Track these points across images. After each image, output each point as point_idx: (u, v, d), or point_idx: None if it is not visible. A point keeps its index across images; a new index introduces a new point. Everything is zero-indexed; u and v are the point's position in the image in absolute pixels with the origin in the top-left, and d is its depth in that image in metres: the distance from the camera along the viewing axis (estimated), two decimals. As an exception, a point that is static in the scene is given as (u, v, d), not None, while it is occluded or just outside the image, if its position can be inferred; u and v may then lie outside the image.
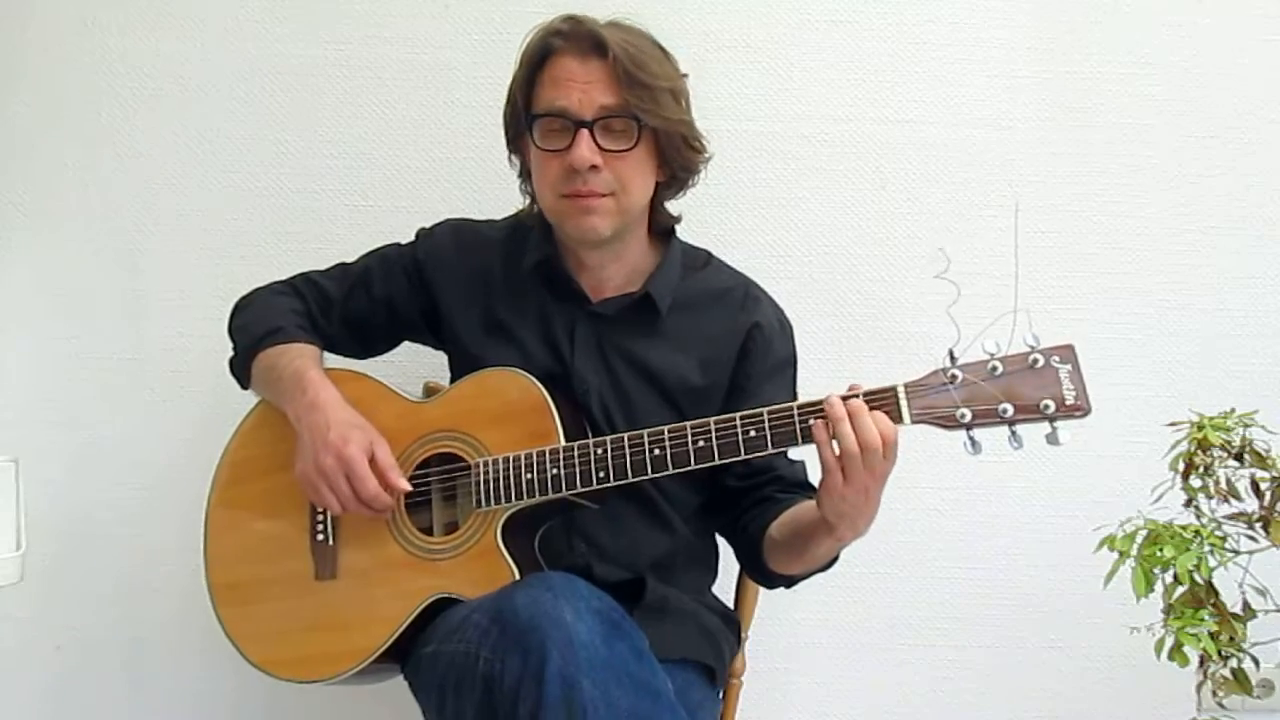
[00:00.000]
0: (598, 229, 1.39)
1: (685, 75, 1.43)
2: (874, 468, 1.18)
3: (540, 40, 1.39)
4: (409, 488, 1.36)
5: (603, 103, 1.35)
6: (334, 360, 1.53)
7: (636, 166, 1.39)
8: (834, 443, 1.19)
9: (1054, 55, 1.87)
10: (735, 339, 1.47)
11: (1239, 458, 1.33)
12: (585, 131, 1.34)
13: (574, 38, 1.37)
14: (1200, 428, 1.33)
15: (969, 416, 1.18)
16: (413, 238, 1.56)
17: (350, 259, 1.59)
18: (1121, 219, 1.87)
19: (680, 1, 1.83)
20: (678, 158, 1.43)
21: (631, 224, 1.44)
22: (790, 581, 1.44)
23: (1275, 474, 1.33)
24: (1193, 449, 1.34)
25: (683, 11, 1.82)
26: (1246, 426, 1.34)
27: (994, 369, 1.18)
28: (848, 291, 1.86)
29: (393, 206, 1.83)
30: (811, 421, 1.21)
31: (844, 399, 1.21)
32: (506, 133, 1.48)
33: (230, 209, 1.85)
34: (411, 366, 1.68)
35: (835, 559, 1.40)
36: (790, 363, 1.52)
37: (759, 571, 1.46)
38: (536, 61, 1.39)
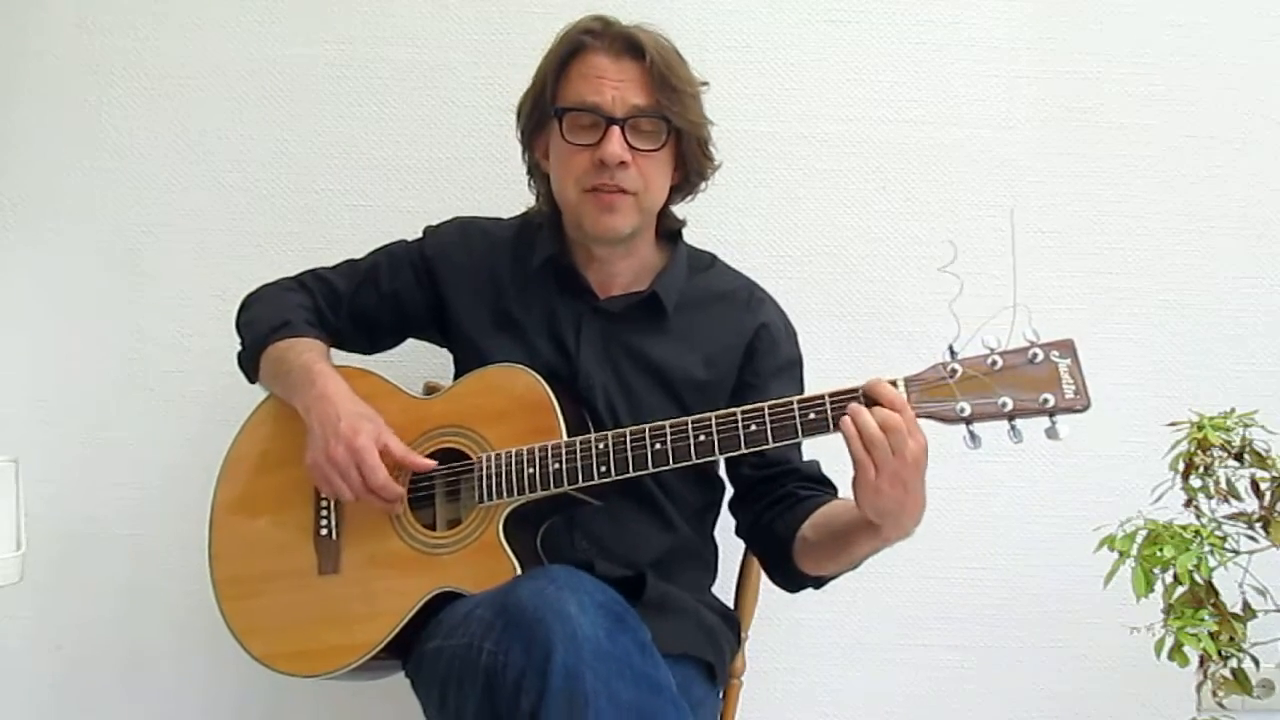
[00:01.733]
0: (618, 227, 1.40)
1: (705, 84, 1.45)
2: (903, 451, 1.17)
3: (571, 37, 1.41)
4: (432, 464, 1.36)
5: (635, 102, 1.37)
6: (340, 357, 1.53)
7: (659, 167, 1.41)
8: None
9: (1054, 55, 1.87)
10: (742, 338, 1.48)
11: (1239, 458, 1.34)
12: (616, 128, 1.36)
13: (607, 37, 1.39)
14: (1200, 428, 1.34)
15: (968, 410, 1.18)
16: (420, 235, 1.57)
17: (354, 257, 1.59)
18: (1121, 219, 1.87)
19: (681, 1, 1.83)
20: (694, 162, 1.45)
21: (645, 224, 1.45)
22: (820, 582, 1.42)
23: (1275, 474, 1.33)
24: (1193, 449, 1.34)
25: (683, 11, 1.82)
26: (1246, 426, 1.34)
27: (993, 363, 1.18)
28: (848, 291, 1.86)
29: (393, 206, 1.83)
30: (832, 413, 1.21)
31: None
32: (523, 128, 1.48)
33: (230, 209, 1.85)
34: (412, 366, 1.68)
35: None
36: (797, 363, 1.52)
37: (786, 574, 1.44)
38: (566, 57, 1.41)
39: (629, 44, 1.38)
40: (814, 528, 1.38)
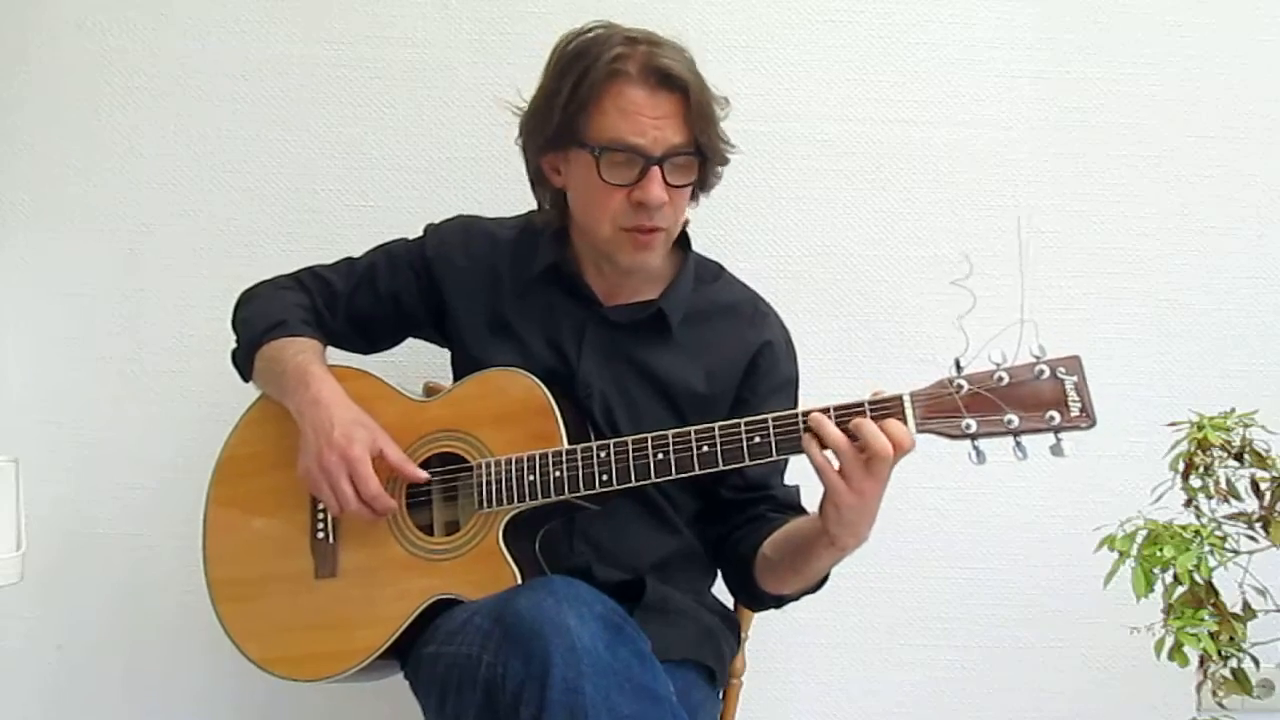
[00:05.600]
0: (650, 262, 1.42)
1: (725, 99, 1.43)
2: (879, 473, 1.18)
3: (603, 64, 1.33)
4: (426, 476, 1.36)
5: (674, 141, 1.34)
6: (337, 357, 1.53)
7: (688, 197, 1.42)
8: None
9: (1054, 55, 1.87)
10: (744, 354, 1.47)
11: (1239, 458, 1.33)
12: (657, 169, 1.34)
13: (636, 62, 1.33)
14: (1200, 428, 1.34)
15: (974, 427, 1.17)
16: (421, 233, 1.56)
17: (352, 255, 1.58)
18: (1121, 219, 1.87)
19: (681, 1, 1.83)
20: (712, 182, 1.45)
21: None
22: (780, 602, 1.43)
23: (1275, 474, 1.33)
24: (1193, 449, 1.34)
25: (683, 11, 1.82)
26: (1246, 426, 1.34)
27: (1000, 379, 1.17)
28: (848, 291, 1.86)
29: (393, 206, 1.83)
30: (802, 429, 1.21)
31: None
32: (535, 137, 1.42)
33: (230, 209, 1.86)
34: (412, 366, 1.68)
35: (825, 579, 1.40)
36: (794, 383, 1.52)
37: (747, 592, 1.45)
38: (597, 85, 1.34)
39: (663, 76, 1.33)
40: (773, 545, 1.38)
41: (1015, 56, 1.87)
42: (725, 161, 1.43)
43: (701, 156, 1.38)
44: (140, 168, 1.85)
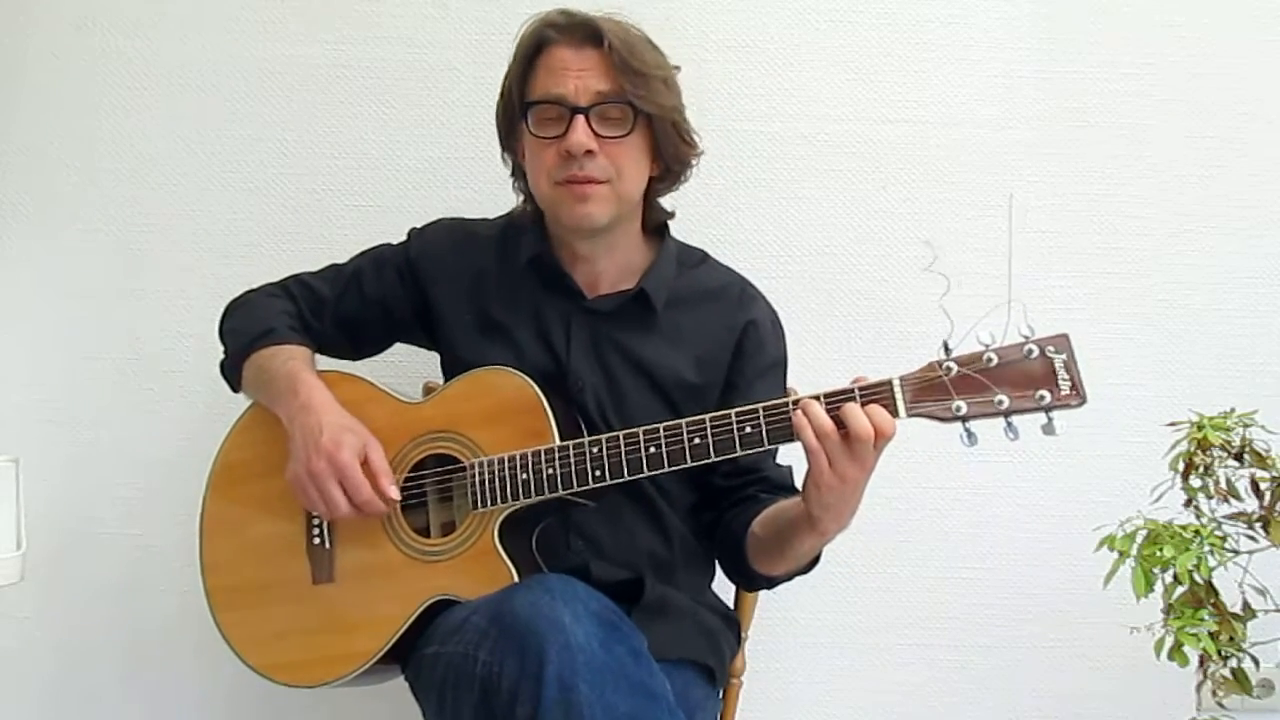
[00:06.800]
0: (593, 216, 1.39)
1: (677, 67, 1.44)
2: (864, 459, 1.18)
3: (533, 32, 1.40)
4: (399, 497, 1.35)
5: (598, 89, 1.36)
6: (326, 362, 1.53)
7: (631, 154, 1.39)
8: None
9: (1054, 55, 1.87)
10: (731, 335, 1.47)
11: (1239, 458, 1.34)
12: (581, 117, 1.35)
13: (568, 29, 1.39)
14: (1200, 428, 1.34)
15: (964, 409, 1.17)
16: (405, 237, 1.56)
17: (338, 262, 1.58)
18: (1121, 219, 1.87)
19: (680, 1, 1.83)
20: (670, 149, 1.43)
21: (626, 215, 1.44)
22: (771, 583, 1.43)
23: (1275, 474, 1.33)
24: (1193, 449, 1.34)
25: (682, 11, 1.82)
26: (1246, 426, 1.35)
27: (989, 360, 1.17)
28: (847, 291, 1.86)
29: (392, 206, 1.83)
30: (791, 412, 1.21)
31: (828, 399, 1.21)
32: (500, 130, 1.48)
33: (230, 209, 1.86)
34: (410, 367, 1.68)
35: (817, 560, 1.40)
36: (782, 363, 1.52)
37: (739, 572, 1.45)
38: (530, 53, 1.40)
39: (589, 32, 1.37)
40: (762, 524, 1.38)
41: (1015, 56, 1.87)
42: (674, 118, 1.42)
43: (633, 107, 1.37)
44: (140, 168, 1.85)
